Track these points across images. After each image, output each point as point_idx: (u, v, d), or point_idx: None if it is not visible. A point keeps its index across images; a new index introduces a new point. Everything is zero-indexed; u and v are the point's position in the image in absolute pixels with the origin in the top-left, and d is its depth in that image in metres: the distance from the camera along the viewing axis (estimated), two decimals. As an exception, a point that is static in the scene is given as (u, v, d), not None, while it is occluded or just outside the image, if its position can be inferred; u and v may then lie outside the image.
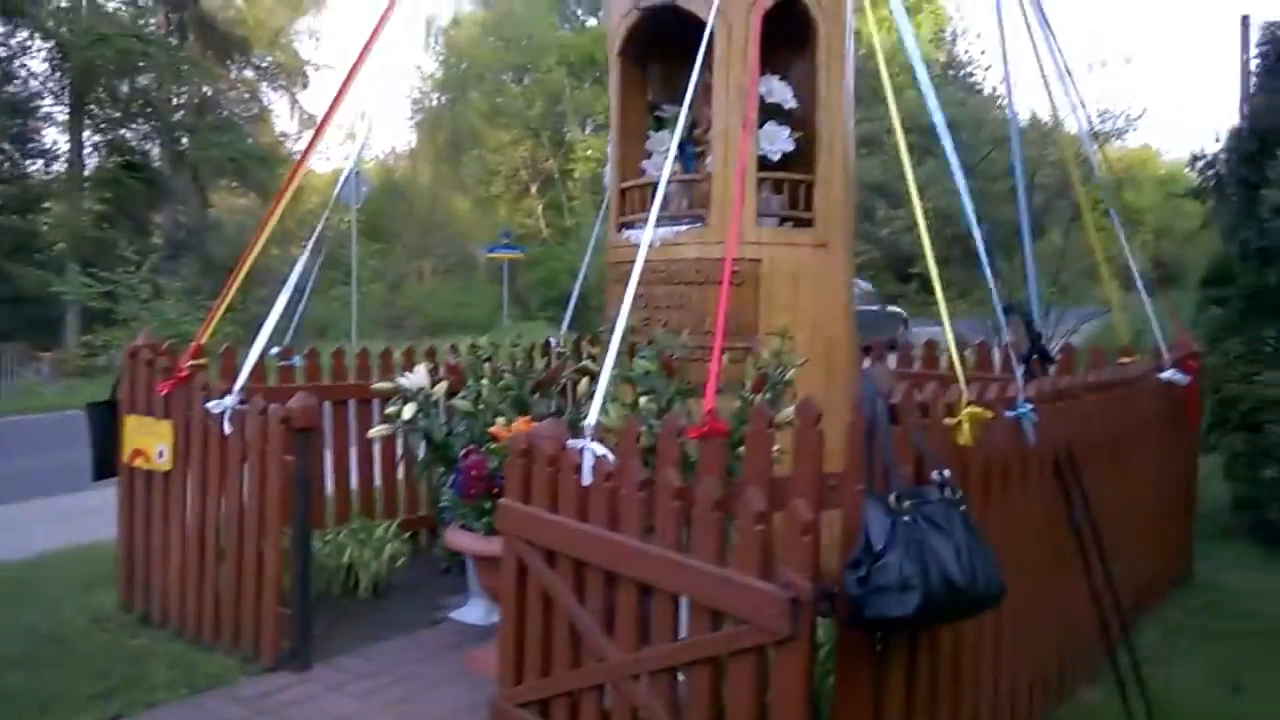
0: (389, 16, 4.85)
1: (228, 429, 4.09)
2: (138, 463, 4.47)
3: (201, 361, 4.69)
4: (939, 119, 3.72)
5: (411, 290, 23.44)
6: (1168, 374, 4.68)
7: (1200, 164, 8.66)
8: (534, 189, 36.95)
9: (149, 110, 21.14)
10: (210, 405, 4.11)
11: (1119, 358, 5.17)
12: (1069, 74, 5.32)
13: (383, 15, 4.83)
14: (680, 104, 4.21)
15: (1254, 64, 6.90)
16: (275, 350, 5.12)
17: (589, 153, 32.30)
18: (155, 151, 21.55)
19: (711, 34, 4.36)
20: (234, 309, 15.88)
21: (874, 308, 13.21)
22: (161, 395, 4.35)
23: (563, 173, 36.29)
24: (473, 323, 22.62)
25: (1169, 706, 3.64)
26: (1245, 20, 14.27)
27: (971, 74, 21.96)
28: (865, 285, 12.42)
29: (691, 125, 4.99)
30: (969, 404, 2.90)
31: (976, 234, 3.52)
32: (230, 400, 4.09)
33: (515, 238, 28.48)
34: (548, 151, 36.58)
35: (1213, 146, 7.32)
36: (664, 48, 5.04)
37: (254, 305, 16.42)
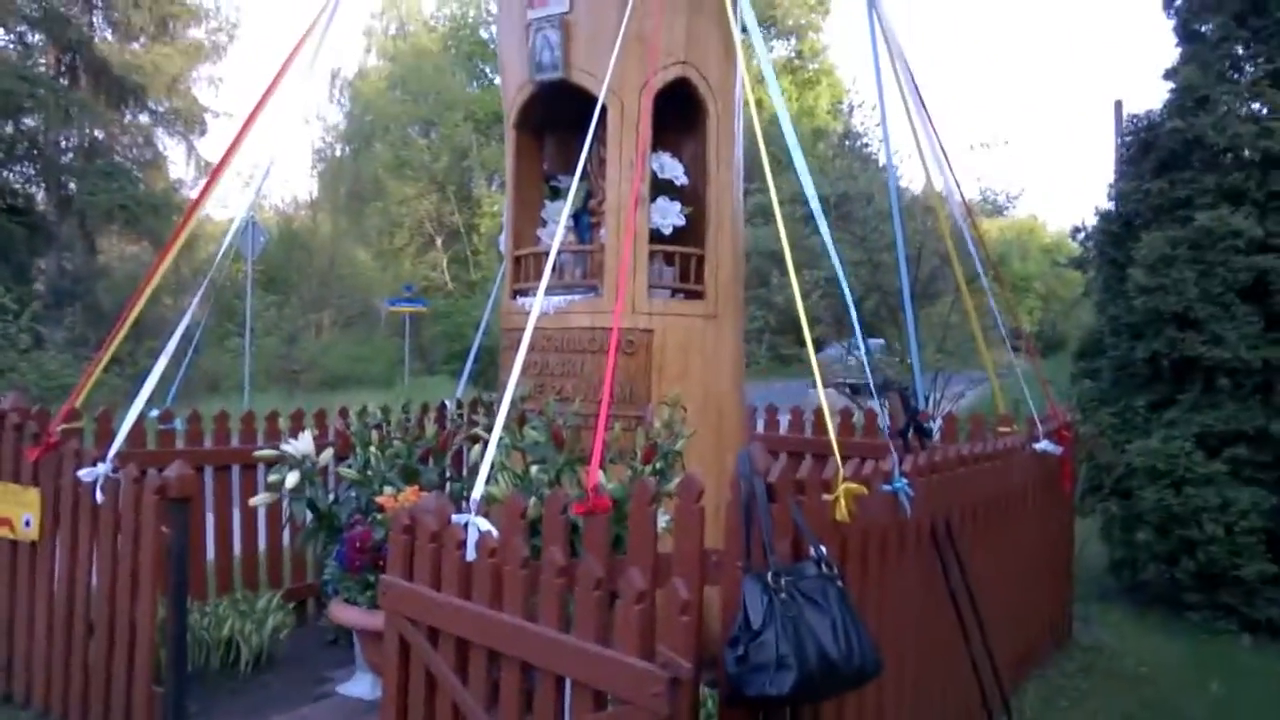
0: (290, 64, 4.84)
1: (99, 498, 3.93)
2: (2, 532, 4.26)
3: (76, 425, 4.52)
4: (813, 198, 3.87)
5: (309, 343, 22.94)
6: (1042, 445, 4.88)
7: (1081, 235, 9.14)
8: (439, 242, 36.78)
9: (34, 153, 20.43)
10: (82, 474, 3.95)
11: (998, 426, 5.39)
12: (944, 152, 5.58)
13: (284, 63, 4.82)
14: (575, 175, 4.29)
15: (1124, 149, 7.34)
16: (155, 412, 4.97)
17: (495, 208, 32.37)
18: (40, 195, 20.81)
19: (604, 110, 4.46)
20: (119, 361, 15.33)
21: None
22: (30, 462, 4.16)
23: (469, 226, 36.25)
24: (371, 377, 22.27)
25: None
26: (1118, 105, 15.19)
27: (867, 144, 22.73)
28: (876, 344, 11.42)
29: (587, 196, 5.09)
30: (845, 480, 2.98)
31: (853, 311, 3.64)
32: (103, 468, 3.94)
33: (419, 290, 28.24)
34: (454, 205, 36.53)
35: (1091, 219, 7.74)
36: (559, 120, 5.13)
37: (142, 357, 15.86)
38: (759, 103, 5.63)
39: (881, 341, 10.86)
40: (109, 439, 4.36)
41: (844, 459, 3.14)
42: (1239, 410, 5.98)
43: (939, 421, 5.53)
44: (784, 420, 6.55)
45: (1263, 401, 6.03)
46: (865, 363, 3.94)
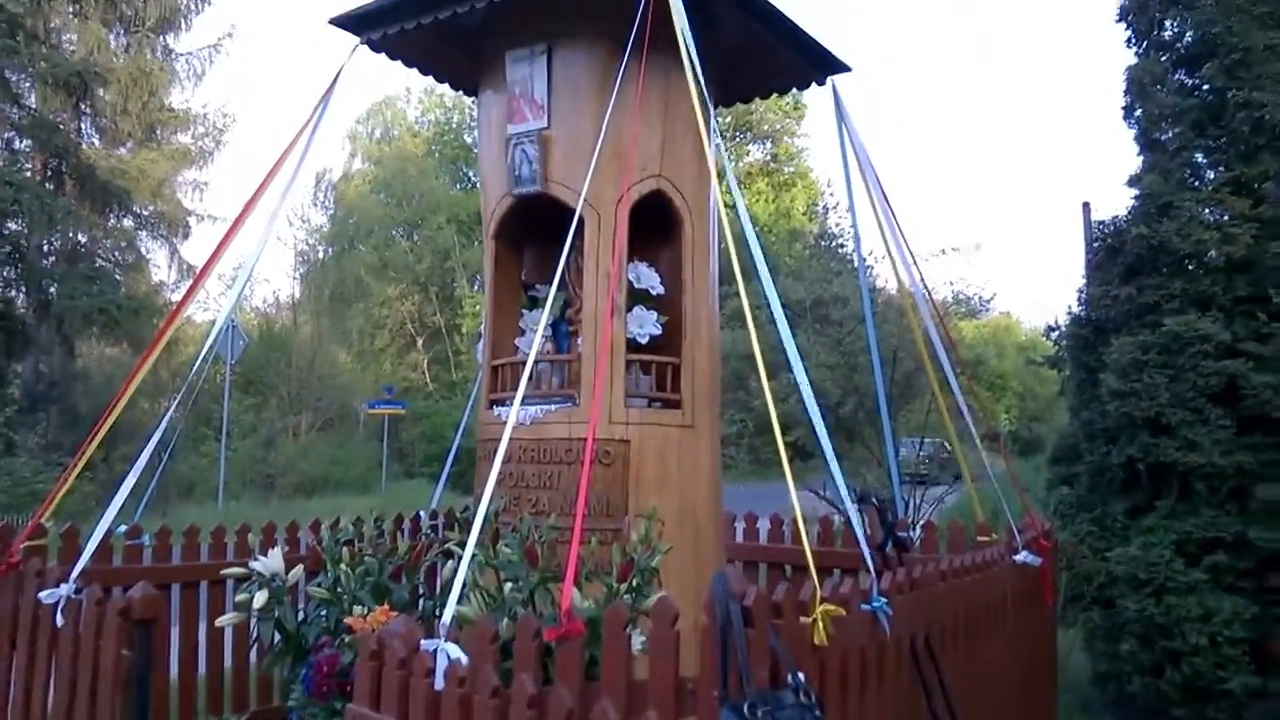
0: (278, 170, 4.91)
1: (60, 621, 3.82)
2: (-44, 656, 4.12)
3: (40, 542, 4.42)
4: (778, 307, 3.90)
5: (286, 447, 22.72)
6: (1020, 556, 4.84)
7: (1055, 335, 9.26)
8: (420, 342, 36.88)
9: (16, 257, 20.48)
10: (42, 595, 3.85)
11: (977, 536, 5.35)
12: (912, 257, 5.67)
13: (271, 168, 4.89)
14: (553, 284, 4.33)
15: (1092, 254, 7.48)
16: (123, 528, 4.88)
17: (477, 308, 32.57)
18: (19, 299, 20.79)
19: (581, 222, 4.52)
20: (93, 466, 15.12)
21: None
22: (-11, 582, 4.06)
23: (450, 327, 36.42)
24: (349, 481, 22.02)
25: None
26: (1086, 207, 15.57)
27: (843, 245, 23.16)
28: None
29: (565, 305, 5.12)
30: (823, 600, 2.93)
31: (818, 422, 3.63)
32: (65, 589, 3.84)
33: (399, 391, 28.18)
34: (435, 306, 36.76)
35: (1064, 318, 7.85)
36: (538, 231, 5.19)
37: (116, 463, 15.66)
38: (733, 208, 5.73)
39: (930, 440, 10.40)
40: (74, 556, 4.26)
41: (823, 572, 3.09)
42: (1216, 516, 5.97)
43: (918, 531, 5.48)
44: (763, 528, 6.49)
45: (1239, 507, 6.03)
46: (840, 479, 3.89)
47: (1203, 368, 6.05)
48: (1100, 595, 6.25)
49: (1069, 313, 7.55)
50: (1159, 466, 6.17)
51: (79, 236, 21.69)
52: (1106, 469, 6.50)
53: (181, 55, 23.41)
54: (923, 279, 5.81)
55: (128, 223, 23.10)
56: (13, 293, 20.97)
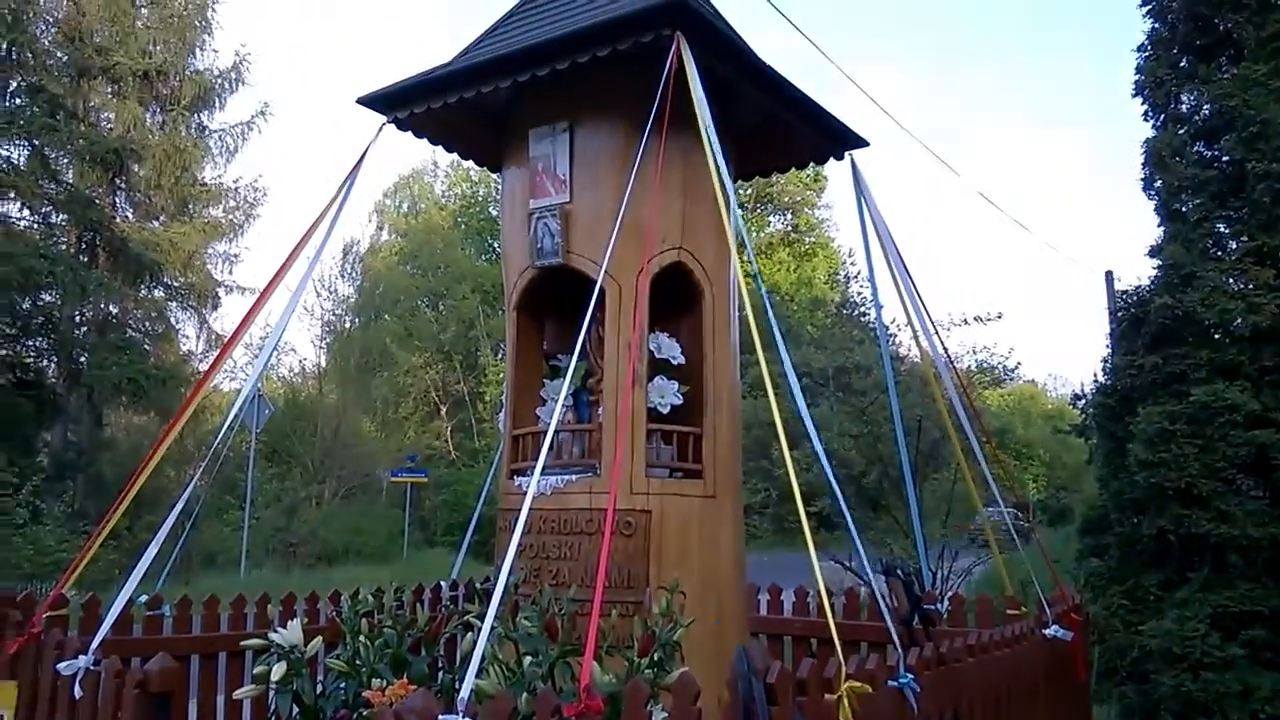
0: (305, 243, 5.01)
1: (78, 693, 3.80)
2: (-26, 728, 4.10)
3: (62, 612, 4.42)
4: (794, 380, 3.91)
5: (308, 515, 22.72)
6: (1051, 630, 4.74)
7: (1082, 403, 9.18)
8: (444, 410, 37.03)
9: (49, 327, 20.83)
10: (61, 667, 3.84)
11: (1006, 608, 5.25)
12: (933, 326, 5.67)
13: (298, 242, 4.99)
14: (574, 354, 4.35)
15: (1116, 324, 7.46)
16: (144, 598, 4.88)
17: (500, 376, 32.73)
18: (50, 369, 21.09)
19: (602, 292, 4.56)
20: (117, 535, 15.15)
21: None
22: (10, 654, 4.05)
23: (474, 395, 36.58)
24: (370, 550, 21.95)
25: None
26: (1109, 275, 15.55)
27: (865, 313, 23.17)
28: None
29: (586, 374, 5.14)
30: (848, 677, 2.88)
31: (838, 493, 3.60)
32: (83, 661, 3.82)
33: (422, 459, 28.18)
34: (459, 374, 36.98)
35: (1090, 384, 7.84)
36: (560, 302, 5.23)
37: (140, 531, 15.70)
38: (758, 274, 5.79)
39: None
40: (94, 626, 4.26)
41: (849, 646, 3.04)
42: (1253, 589, 5.85)
43: (946, 604, 5.39)
44: (788, 600, 6.40)
45: (1276, 580, 5.90)
46: (862, 555, 3.84)
47: (1232, 438, 5.98)
48: (1134, 670, 6.10)
49: (1095, 380, 7.51)
50: (1191, 538, 6.07)
51: (110, 307, 22.08)
52: (1137, 540, 6.40)
53: (215, 132, 24.03)
54: (944, 348, 5.80)
55: (158, 294, 23.49)
56: (44, 362, 21.29)
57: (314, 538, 21.52)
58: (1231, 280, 6.57)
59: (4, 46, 19.26)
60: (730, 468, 4.93)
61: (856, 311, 23.68)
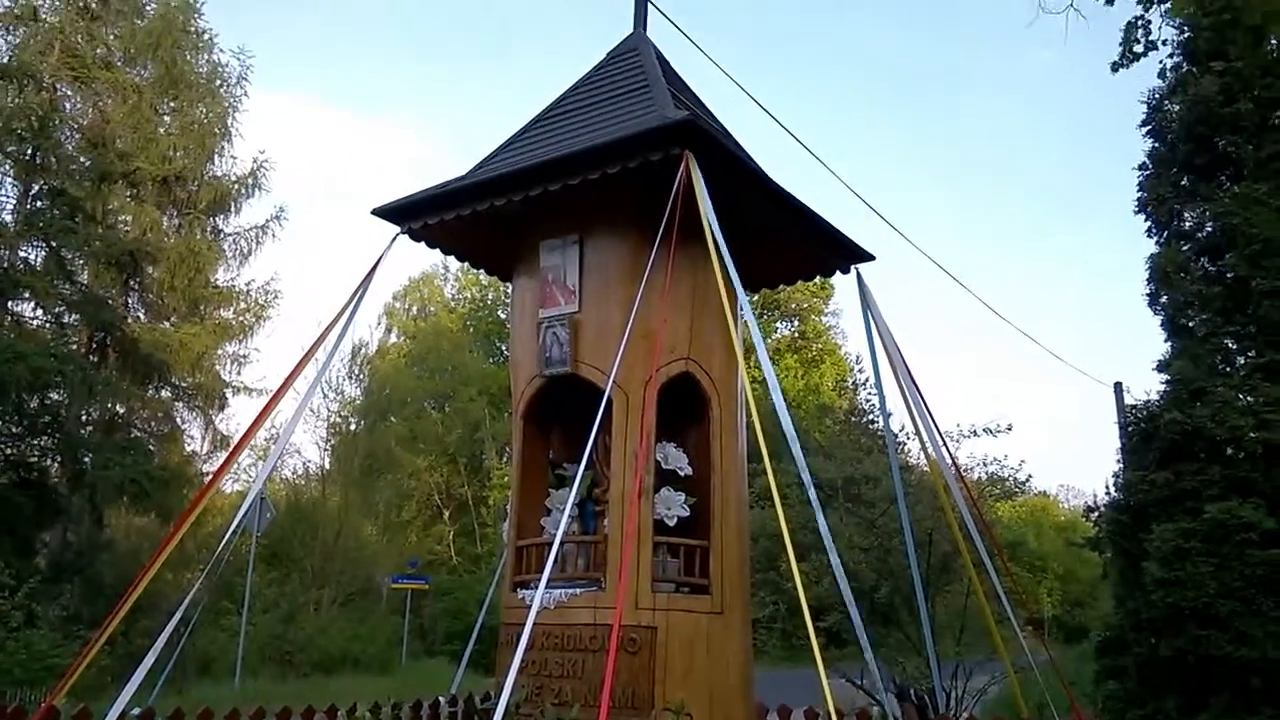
0: (317, 348, 5.03)
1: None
2: None
3: (50, 726, 4.29)
4: (811, 489, 3.86)
5: (306, 622, 22.27)
6: (1069, 756, 4.58)
7: (1094, 515, 9.04)
8: (446, 515, 36.67)
9: (54, 426, 20.83)
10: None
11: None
12: (942, 438, 5.63)
13: (308, 350, 5.01)
14: (581, 463, 4.32)
15: (1126, 438, 7.41)
16: (136, 711, 4.73)
17: (504, 479, 32.52)
18: (54, 469, 21.00)
19: (610, 402, 4.55)
20: (112, 640, 14.83)
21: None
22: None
23: (477, 499, 36.28)
24: (369, 658, 21.44)
25: None
26: (1118, 387, 15.51)
27: (874, 420, 23.11)
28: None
29: (592, 484, 5.09)
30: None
31: (855, 616, 3.52)
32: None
33: (423, 564, 27.76)
34: (464, 478, 36.75)
35: (1102, 495, 7.72)
36: (567, 411, 5.22)
37: (136, 637, 15.37)
38: (762, 382, 5.78)
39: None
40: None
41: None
42: (1276, 714, 5.65)
43: (962, 724, 5.22)
44: (797, 721, 6.19)
45: (1301, 705, 5.72)
46: (877, 673, 3.74)
47: (1249, 556, 5.88)
48: (1157, 801, 5.86)
49: (1107, 493, 7.42)
50: (1211, 660, 5.91)
51: (117, 407, 22.08)
52: (1155, 661, 6.23)
53: (230, 235, 24.42)
54: (953, 459, 5.75)
55: (165, 394, 23.52)
56: (48, 461, 21.20)
57: (312, 645, 21.05)
58: (1241, 396, 6.55)
59: (30, 151, 19.76)
60: (738, 582, 4.83)
61: (865, 419, 23.63)
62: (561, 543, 4.30)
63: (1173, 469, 6.46)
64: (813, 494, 3.91)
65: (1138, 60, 7.97)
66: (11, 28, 19.96)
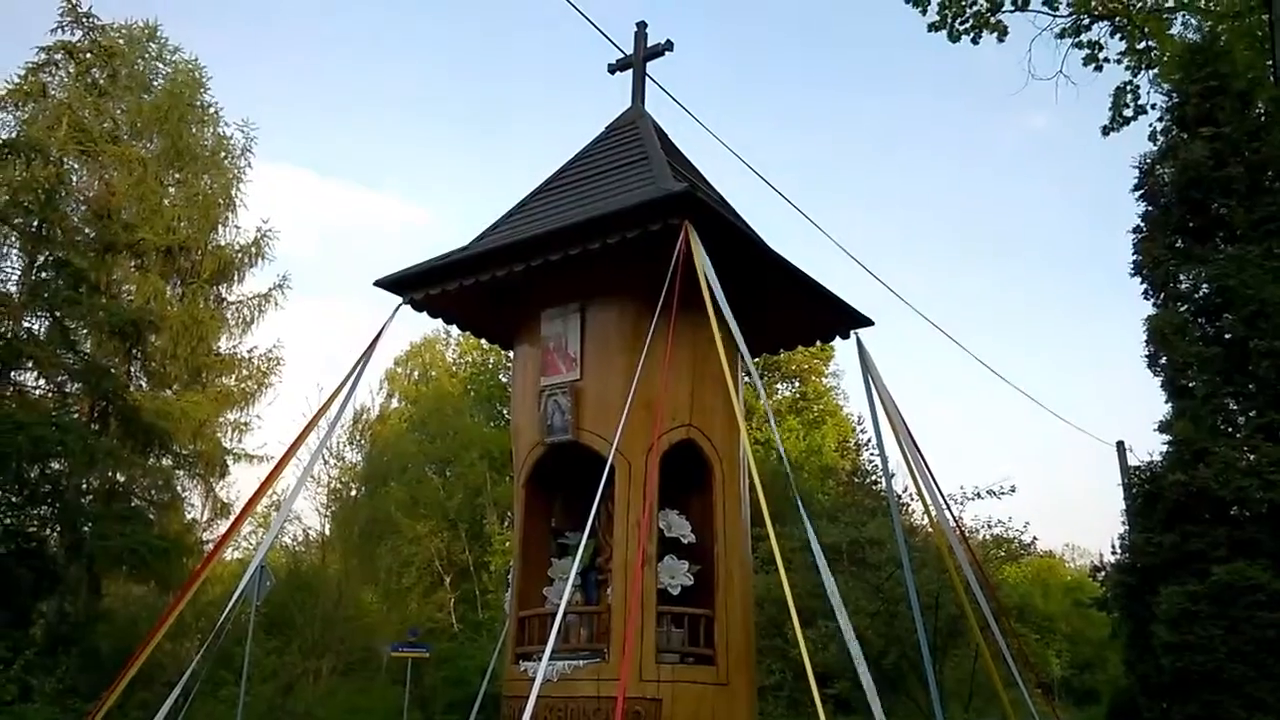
0: (321, 417, 5.05)
1: None
2: None
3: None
4: (819, 554, 3.84)
5: (305, 692, 21.94)
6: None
7: (1101, 575, 8.97)
8: (447, 581, 36.29)
9: (54, 495, 20.73)
10: None
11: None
12: (946, 501, 5.61)
13: (310, 420, 5.03)
14: (583, 531, 4.30)
15: (1130, 499, 7.38)
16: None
17: (506, 544, 32.25)
18: (52, 538, 20.85)
19: (612, 469, 4.55)
20: (111, 716, 14.60)
21: None
22: None
23: (479, 564, 35.93)
24: (367, 730, 21.08)
25: None
26: (1121, 446, 15.47)
27: (877, 481, 23.00)
28: None
29: (595, 553, 5.06)
30: None
31: (867, 681, 3.48)
32: None
33: (424, 632, 27.38)
34: (465, 544, 36.43)
35: (1109, 555, 7.64)
36: (569, 479, 5.22)
37: (132, 710, 15.14)
38: (766, 443, 5.79)
39: None
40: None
41: None
42: (1294, 782, 5.56)
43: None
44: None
45: (1319, 773, 5.62)
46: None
47: (1258, 619, 5.82)
48: None
49: (1113, 552, 7.37)
50: (1223, 726, 5.81)
51: (118, 476, 21.99)
52: (1169, 729, 6.13)
53: (232, 304, 24.55)
54: (958, 522, 5.73)
55: (166, 462, 23.43)
56: (46, 531, 21.06)
57: (310, 716, 20.70)
58: (1244, 456, 6.54)
59: (36, 223, 19.96)
60: (743, 650, 4.78)
61: (869, 480, 23.51)
62: (564, 614, 4.26)
63: (1178, 531, 6.43)
64: (821, 559, 3.89)
65: (1127, 124, 8.13)
66: (20, 104, 20.27)
